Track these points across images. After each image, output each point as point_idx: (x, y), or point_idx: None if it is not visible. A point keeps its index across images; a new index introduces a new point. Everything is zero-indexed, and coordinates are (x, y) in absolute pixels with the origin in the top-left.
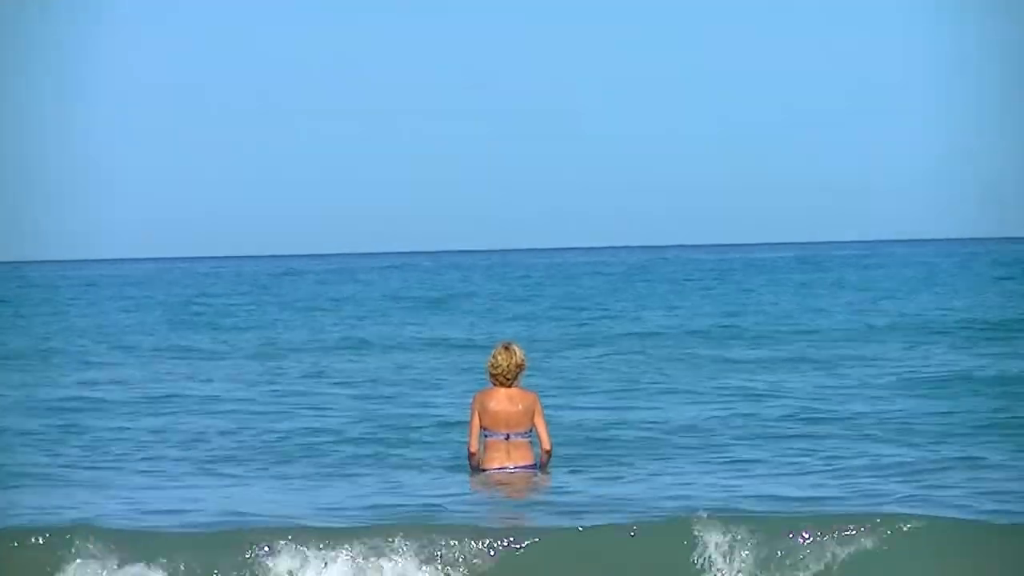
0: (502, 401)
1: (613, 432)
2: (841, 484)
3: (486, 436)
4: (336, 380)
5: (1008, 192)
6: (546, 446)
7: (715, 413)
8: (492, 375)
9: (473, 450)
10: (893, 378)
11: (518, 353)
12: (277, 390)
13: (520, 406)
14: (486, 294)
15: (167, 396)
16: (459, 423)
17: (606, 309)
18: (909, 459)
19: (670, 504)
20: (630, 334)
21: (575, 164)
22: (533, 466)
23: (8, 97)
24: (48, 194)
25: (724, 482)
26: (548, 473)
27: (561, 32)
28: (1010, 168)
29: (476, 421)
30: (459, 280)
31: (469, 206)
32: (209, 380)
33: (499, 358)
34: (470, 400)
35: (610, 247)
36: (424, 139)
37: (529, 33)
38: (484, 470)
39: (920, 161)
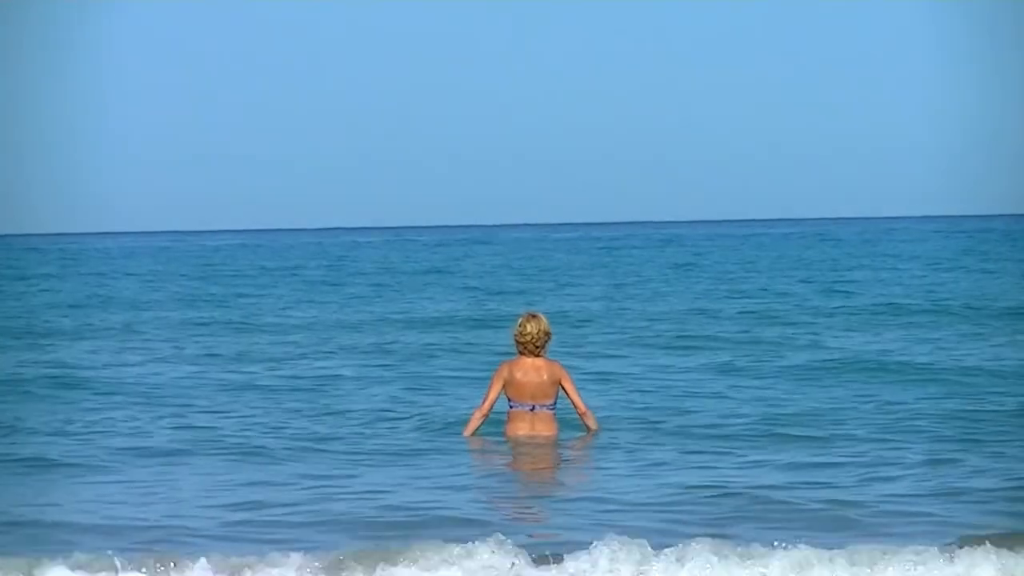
0: (529, 371)
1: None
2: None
3: (511, 407)
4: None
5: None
6: (581, 408)
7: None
8: (520, 343)
9: (482, 413)
10: None
11: (544, 321)
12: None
13: (546, 376)
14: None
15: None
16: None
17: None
18: None
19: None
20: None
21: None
22: (552, 439)
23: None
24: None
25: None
26: (594, 437)
27: (561, 15)
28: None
29: (496, 389)
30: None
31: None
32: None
33: (528, 326)
34: (494, 369)
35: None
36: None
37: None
38: (507, 438)
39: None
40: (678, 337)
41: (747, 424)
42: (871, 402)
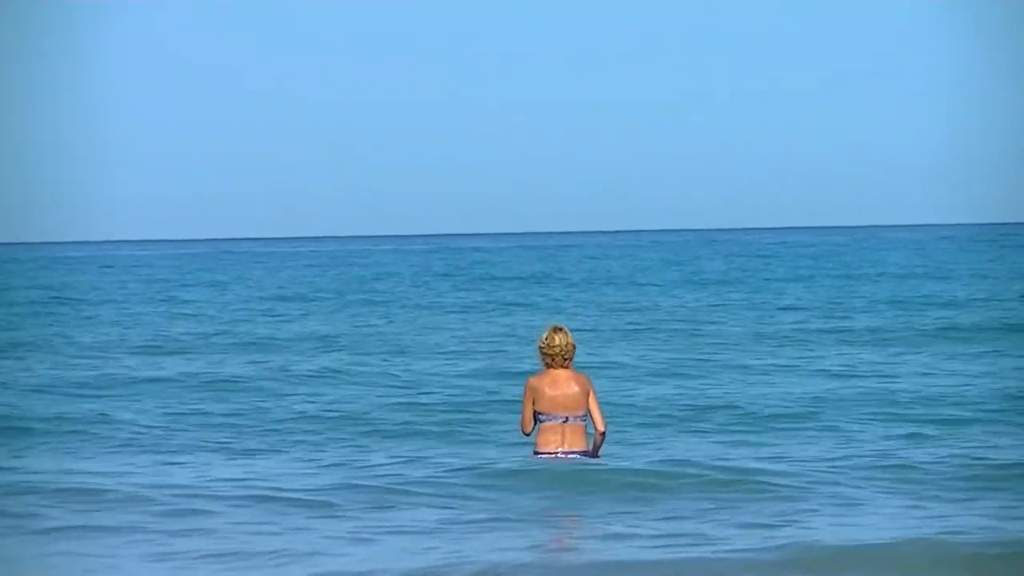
0: (560, 384)
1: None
2: None
3: (542, 420)
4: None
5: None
6: (601, 427)
7: None
8: (548, 356)
9: (528, 430)
10: None
11: (569, 333)
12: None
13: (577, 387)
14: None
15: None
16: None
17: None
18: None
19: None
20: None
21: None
22: (585, 453)
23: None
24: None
25: None
26: (600, 456)
27: (559, 17)
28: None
29: (530, 407)
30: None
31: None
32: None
33: (556, 338)
34: (522, 385)
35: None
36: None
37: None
38: (538, 454)
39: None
40: None
41: None
42: None
